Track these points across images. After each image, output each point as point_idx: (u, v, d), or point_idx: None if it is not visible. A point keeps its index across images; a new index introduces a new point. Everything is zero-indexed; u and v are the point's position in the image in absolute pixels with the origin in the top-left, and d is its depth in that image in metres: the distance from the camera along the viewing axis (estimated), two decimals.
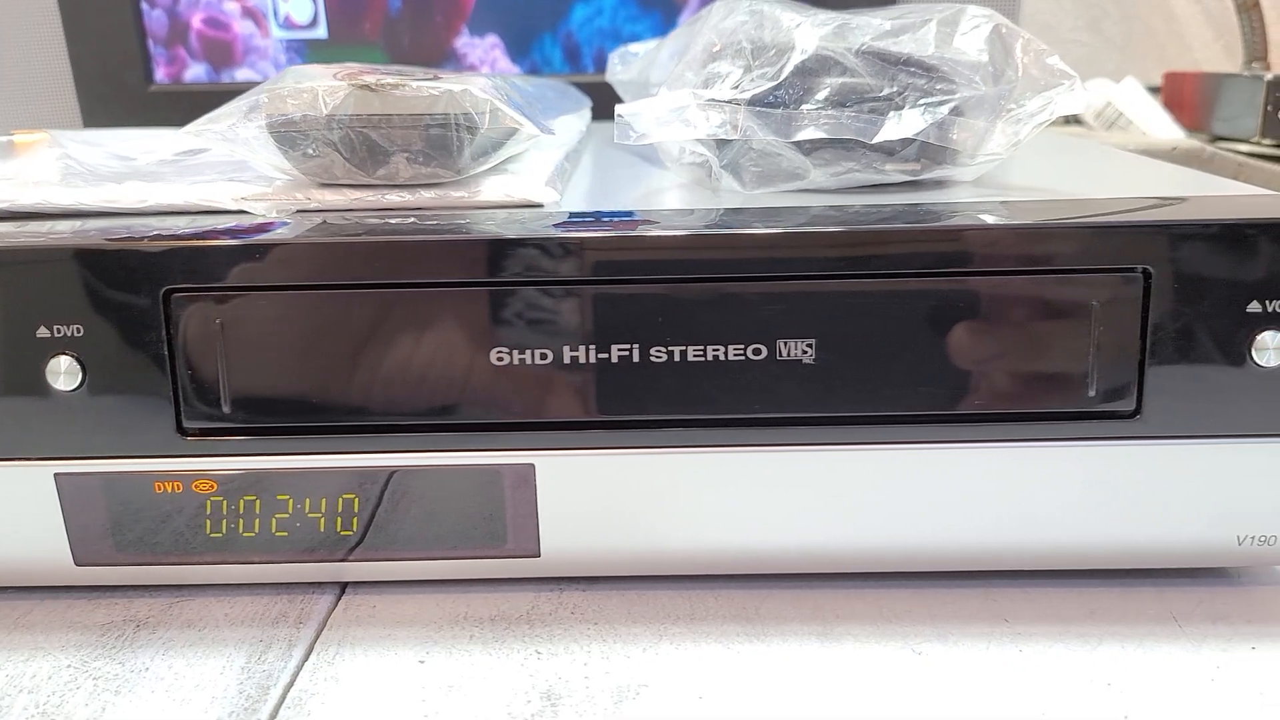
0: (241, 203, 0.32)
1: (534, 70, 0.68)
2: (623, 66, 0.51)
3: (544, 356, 0.29)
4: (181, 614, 0.31)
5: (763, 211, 0.30)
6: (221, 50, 0.68)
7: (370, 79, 0.32)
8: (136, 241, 0.28)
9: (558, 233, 0.28)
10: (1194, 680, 0.27)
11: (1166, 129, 0.66)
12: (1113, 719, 0.26)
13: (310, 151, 0.32)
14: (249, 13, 0.67)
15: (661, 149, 0.41)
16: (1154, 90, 0.73)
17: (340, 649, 0.29)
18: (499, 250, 0.28)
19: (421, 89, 0.31)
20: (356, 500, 0.31)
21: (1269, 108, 0.57)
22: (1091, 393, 0.29)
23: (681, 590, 0.32)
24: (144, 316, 0.29)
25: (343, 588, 0.32)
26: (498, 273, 0.28)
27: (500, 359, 0.29)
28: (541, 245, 0.28)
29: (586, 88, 0.59)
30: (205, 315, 0.29)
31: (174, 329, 0.29)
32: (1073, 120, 0.73)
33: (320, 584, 0.33)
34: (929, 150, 0.33)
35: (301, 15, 0.67)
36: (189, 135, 0.32)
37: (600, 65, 0.68)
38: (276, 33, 0.68)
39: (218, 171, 0.38)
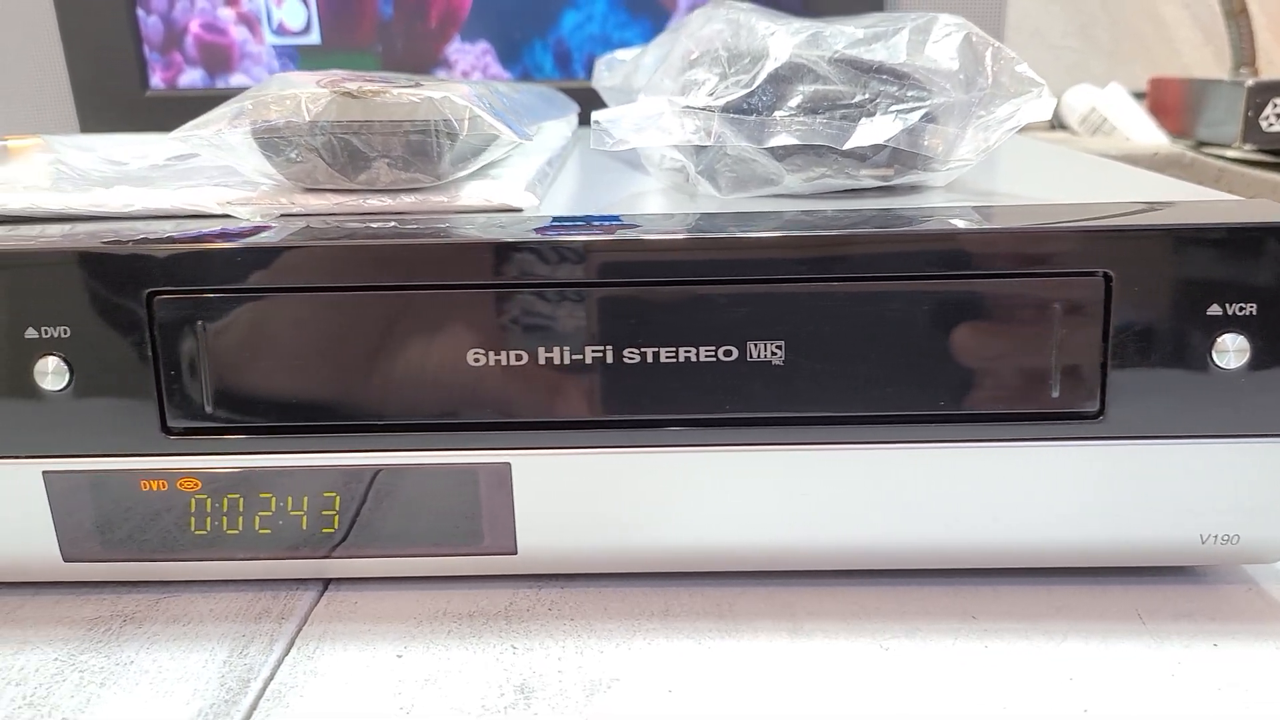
0: (226, 207, 0.33)
1: (525, 76, 0.69)
2: (609, 73, 0.52)
3: (519, 358, 0.30)
4: (168, 609, 0.32)
5: (736, 216, 0.31)
6: (217, 56, 0.69)
7: (352, 85, 0.32)
8: (122, 245, 0.29)
9: (534, 237, 0.29)
10: (1155, 675, 0.28)
11: (1150, 134, 0.66)
12: (1072, 712, 0.26)
13: (293, 157, 0.32)
14: (244, 19, 0.68)
15: (644, 155, 0.42)
16: (1140, 96, 0.74)
17: (320, 644, 0.30)
18: (478, 254, 0.29)
19: (402, 96, 0.32)
20: (338, 498, 0.31)
21: (1250, 113, 0.58)
22: (1055, 394, 0.29)
23: (657, 587, 0.32)
24: (129, 318, 0.29)
25: (325, 584, 0.33)
26: (475, 276, 0.29)
27: (476, 359, 0.30)
28: (519, 249, 0.29)
29: (577, 94, 0.60)
30: (188, 317, 0.29)
31: (158, 331, 0.29)
32: (1058, 126, 0.74)
33: (303, 580, 0.33)
34: (900, 156, 0.34)
35: (295, 21, 0.68)
36: (176, 141, 0.33)
37: (591, 71, 0.69)
38: (270, 38, 0.68)
39: (207, 177, 0.38)
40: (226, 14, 0.68)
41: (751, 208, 0.33)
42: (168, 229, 0.31)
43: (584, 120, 0.58)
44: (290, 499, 0.31)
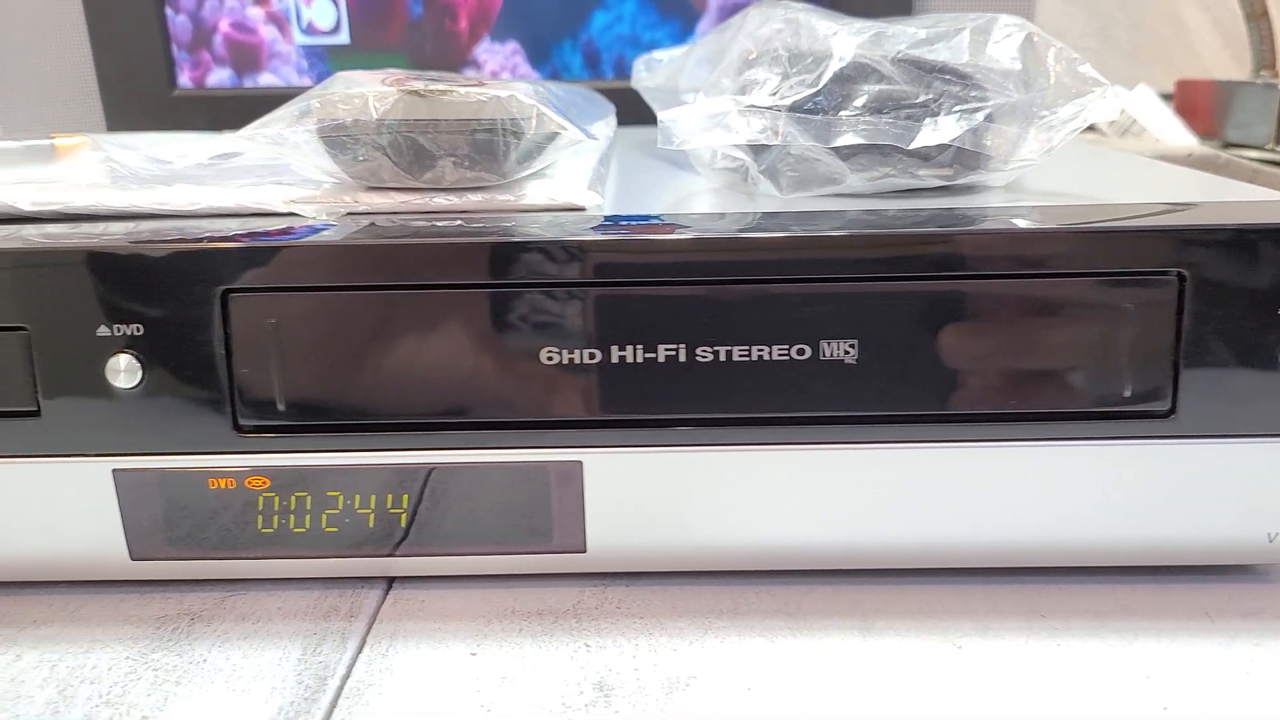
0: (291, 205, 0.33)
1: (554, 76, 0.69)
2: (648, 73, 0.52)
3: (592, 356, 0.30)
4: (234, 608, 0.32)
5: (805, 215, 0.31)
6: (245, 55, 0.69)
7: (419, 85, 0.32)
8: (198, 243, 0.29)
9: (607, 235, 0.29)
10: (1230, 674, 0.28)
11: (1179, 136, 0.67)
12: (1152, 711, 0.26)
13: (359, 155, 0.32)
14: (273, 18, 0.68)
15: (694, 154, 0.42)
16: (1165, 97, 0.74)
17: (393, 642, 0.30)
18: (551, 252, 0.29)
19: (469, 94, 0.32)
20: (406, 497, 0.31)
21: None
22: (1127, 393, 0.30)
23: (723, 586, 0.32)
24: (202, 316, 0.29)
25: (389, 582, 0.33)
26: (548, 275, 0.29)
27: (550, 358, 0.30)
28: (591, 248, 0.29)
29: (606, 94, 0.60)
30: (262, 315, 0.29)
31: (231, 328, 0.29)
32: (1088, 127, 0.74)
33: (368, 579, 0.33)
34: (963, 156, 0.34)
35: (324, 21, 0.68)
36: (242, 139, 0.33)
37: (620, 72, 0.69)
38: (299, 38, 0.68)
39: (257, 175, 0.38)
40: (255, 13, 0.68)
41: (812, 207, 0.33)
42: (233, 227, 0.31)
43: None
44: (358, 497, 0.31)
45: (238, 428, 0.30)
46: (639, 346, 0.30)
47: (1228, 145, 0.67)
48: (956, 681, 0.28)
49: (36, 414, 0.30)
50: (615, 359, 0.30)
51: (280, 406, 0.30)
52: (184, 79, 0.69)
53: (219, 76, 0.69)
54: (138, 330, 0.29)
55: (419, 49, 0.69)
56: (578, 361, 0.30)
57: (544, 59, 0.69)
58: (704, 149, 0.40)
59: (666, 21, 0.68)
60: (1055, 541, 0.31)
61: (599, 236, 0.29)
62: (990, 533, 0.31)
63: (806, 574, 0.33)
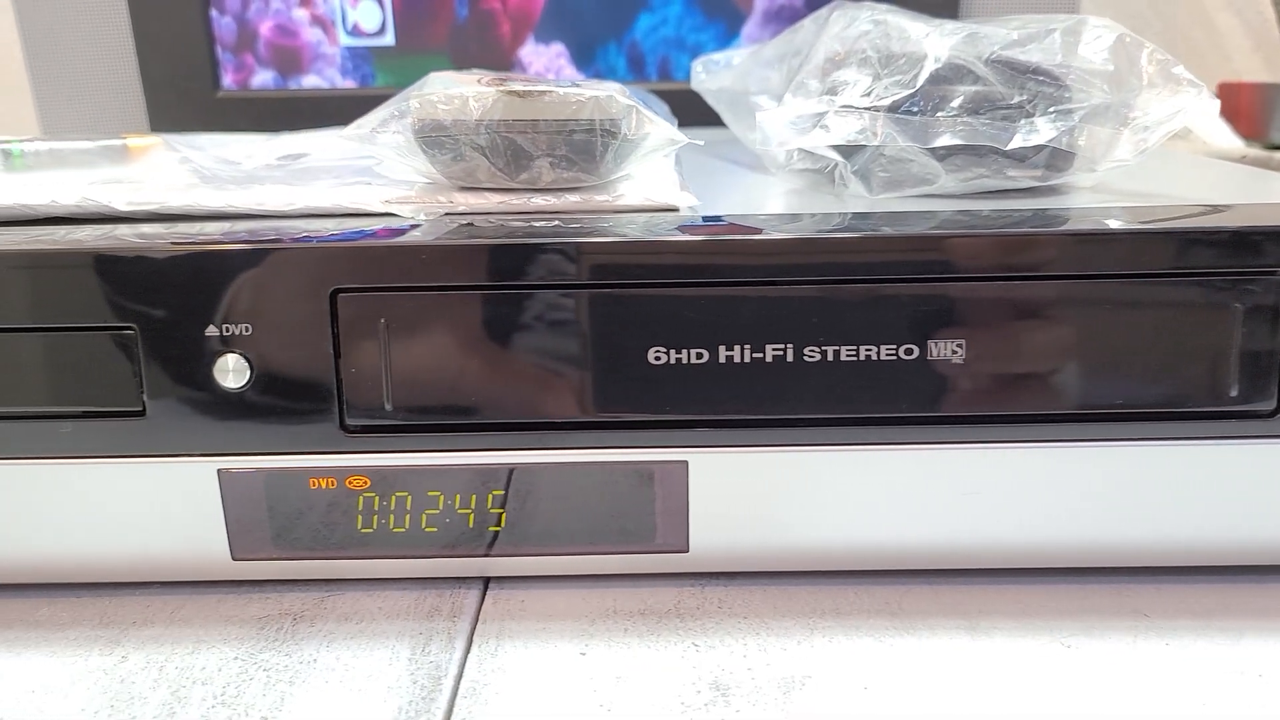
0: (388, 205, 0.33)
1: (598, 78, 0.69)
2: (708, 75, 0.52)
3: (699, 356, 0.30)
4: (334, 608, 0.32)
5: (905, 216, 0.31)
6: (289, 57, 0.69)
7: (518, 85, 0.32)
8: (309, 242, 0.29)
9: (717, 236, 0.29)
10: None
11: (1226, 138, 0.67)
12: (1273, 711, 0.26)
13: (457, 156, 0.32)
14: (318, 20, 0.68)
15: (767, 155, 0.42)
16: None
17: (500, 641, 0.30)
18: (660, 253, 0.29)
19: (568, 95, 0.32)
20: (507, 496, 0.31)
21: None
22: (1233, 392, 0.30)
23: (820, 585, 0.32)
24: (312, 316, 0.29)
25: (486, 582, 0.33)
26: (657, 275, 0.29)
27: (657, 359, 0.30)
28: (700, 249, 0.29)
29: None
30: (371, 315, 0.29)
31: (341, 328, 0.29)
32: None
33: (464, 579, 0.33)
34: (1057, 157, 0.34)
35: (370, 23, 0.68)
36: (342, 138, 0.33)
37: (664, 74, 0.69)
38: (344, 40, 0.68)
39: (334, 176, 0.38)
40: (300, 15, 0.68)
41: (902, 207, 0.33)
42: (330, 227, 0.31)
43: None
44: (458, 496, 0.31)
45: (344, 427, 0.30)
46: (746, 346, 0.30)
47: (1272, 147, 0.67)
48: (1071, 680, 0.28)
49: (142, 414, 0.30)
50: (723, 359, 0.30)
51: (387, 406, 0.30)
52: (228, 80, 0.69)
53: (263, 78, 0.69)
54: (246, 330, 0.29)
55: (463, 51, 0.69)
56: (685, 362, 0.30)
57: (588, 61, 0.69)
58: (779, 149, 0.41)
59: (712, 24, 0.68)
60: (1158, 541, 0.31)
61: (709, 237, 0.29)
62: (1093, 532, 0.31)
63: (901, 574, 0.33)
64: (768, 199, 0.37)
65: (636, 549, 0.32)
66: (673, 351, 0.30)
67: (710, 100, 0.50)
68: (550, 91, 0.32)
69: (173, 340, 0.29)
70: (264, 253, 0.29)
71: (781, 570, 0.33)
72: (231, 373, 0.29)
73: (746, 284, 0.29)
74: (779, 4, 0.68)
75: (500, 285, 0.29)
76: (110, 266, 0.29)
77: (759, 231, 0.29)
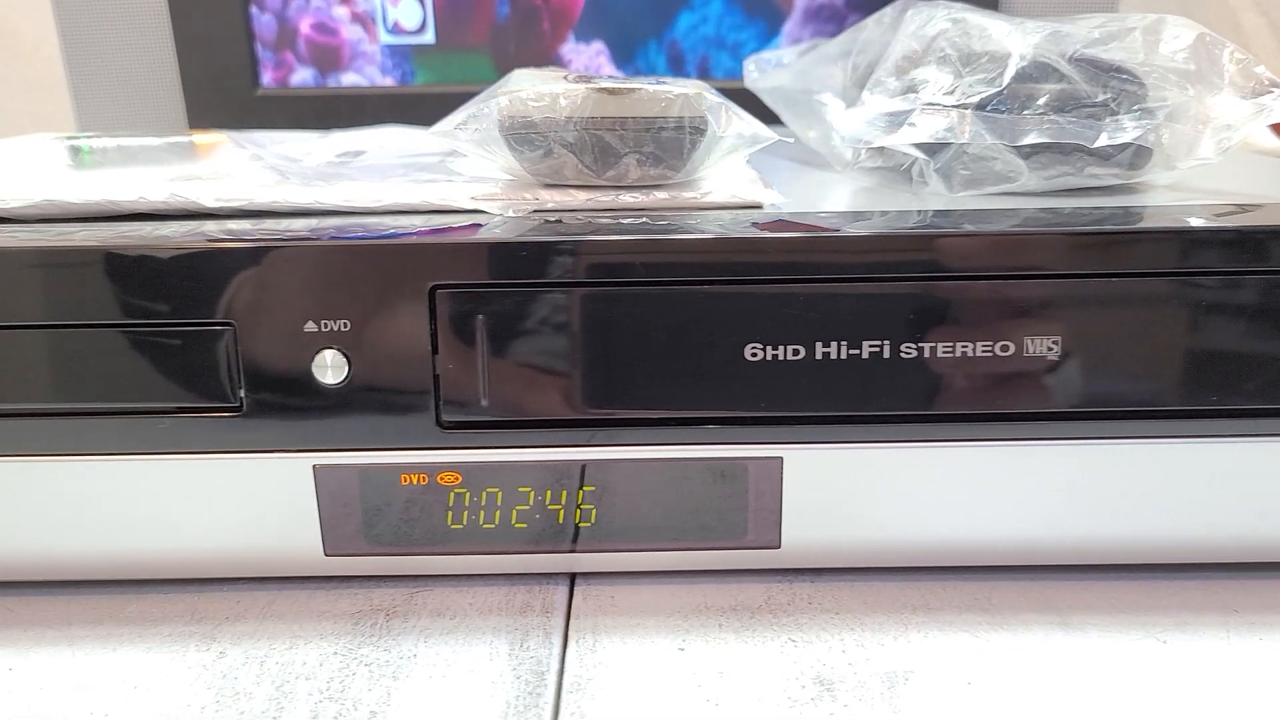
0: (476, 202, 0.33)
1: (637, 76, 0.69)
2: (760, 74, 0.52)
3: (796, 352, 0.30)
4: (425, 604, 0.32)
5: (992, 213, 0.31)
6: (329, 55, 0.69)
7: (607, 82, 0.33)
8: (408, 238, 0.29)
9: (819, 233, 0.29)
10: None
11: (1268, 138, 0.67)
12: None
13: (546, 152, 0.33)
14: (358, 18, 0.68)
15: (831, 152, 0.42)
16: None
17: (596, 637, 0.30)
18: (761, 250, 0.29)
19: (658, 92, 0.32)
20: (596, 492, 0.31)
21: None
22: None
23: (907, 581, 0.33)
24: (411, 312, 0.29)
25: (572, 578, 0.33)
26: (757, 271, 0.29)
27: (754, 354, 0.30)
28: (797, 245, 0.29)
29: None
30: (469, 311, 0.29)
31: (439, 324, 0.29)
32: None
33: (550, 574, 0.33)
34: (1138, 155, 0.34)
35: (410, 21, 0.68)
36: (434, 136, 0.33)
37: (704, 72, 0.69)
38: (384, 38, 0.68)
39: (401, 173, 0.38)
40: (341, 12, 0.68)
41: (982, 205, 0.33)
42: (418, 223, 0.31)
43: None
44: (549, 492, 0.31)
45: (440, 423, 0.30)
46: (843, 343, 0.30)
47: None
48: (1170, 677, 0.28)
49: (239, 410, 0.30)
50: (819, 355, 0.30)
51: (483, 402, 0.30)
52: (267, 78, 0.69)
53: (302, 76, 0.69)
54: (344, 326, 0.29)
55: (504, 49, 0.69)
56: (782, 357, 0.30)
57: (628, 60, 0.69)
58: (844, 147, 0.41)
59: (752, 22, 0.68)
60: (1249, 538, 0.31)
61: (809, 234, 0.29)
62: (1186, 529, 0.31)
63: (984, 569, 0.33)
64: (844, 196, 0.37)
65: (727, 545, 0.32)
66: (769, 347, 0.30)
67: (766, 99, 0.50)
68: (640, 89, 0.32)
69: (271, 336, 0.29)
70: (365, 249, 0.29)
71: (870, 566, 0.33)
72: (330, 369, 0.30)
73: (845, 280, 0.29)
74: (819, 3, 0.68)
75: (599, 282, 0.29)
76: (210, 263, 0.29)
77: (860, 229, 0.29)
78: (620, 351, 0.30)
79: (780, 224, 0.30)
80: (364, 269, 0.29)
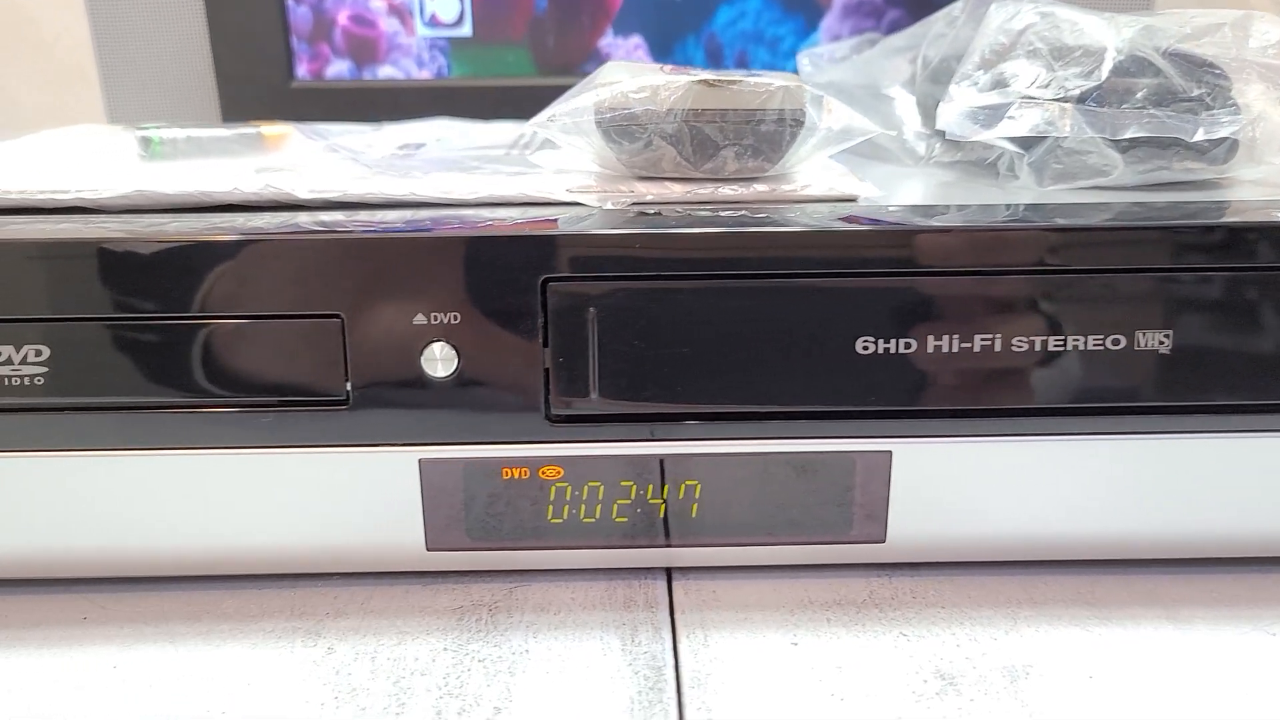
0: (573, 195, 0.33)
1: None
2: (815, 69, 0.52)
3: (908, 346, 0.30)
4: (527, 598, 0.32)
5: (1083, 207, 0.31)
6: (365, 47, 0.68)
7: (707, 75, 0.32)
8: (519, 230, 0.29)
9: (926, 224, 0.29)
10: None
11: None
12: None
13: (646, 144, 0.32)
14: (395, 10, 0.68)
15: (903, 147, 0.42)
16: None
17: (706, 632, 0.30)
18: (873, 243, 0.29)
19: (758, 85, 0.32)
20: (699, 486, 0.31)
21: None
22: None
23: (1007, 575, 0.33)
24: (522, 305, 0.29)
25: (668, 572, 0.33)
26: (870, 265, 0.29)
27: (865, 348, 0.30)
28: (916, 239, 0.29)
29: None
30: (580, 304, 0.29)
31: (550, 317, 0.29)
32: None
33: (647, 569, 0.33)
34: (1230, 149, 0.34)
35: (448, 14, 0.68)
36: (532, 127, 0.33)
37: (742, 67, 0.69)
38: (422, 31, 0.68)
39: (474, 166, 0.38)
40: (378, 5, 0.68)
41: (1072, 199, 0.33)
42: (515, 215, 0.31)
43: None
44: (651, 486, 0.31)
45: (549, 416, 0.30)
46: (955, 336, 0.30)
47: None
48: None
49: (345, 403, 0.30)
50: (930, 349, 0.30)
51: (593, 395, 0.30)
52: (302, 71, 0.69)
53: (337, 68, 0.69)
54: (455, 319, 0.29)
55: (542, 42, 0.69)
56: (894, 351, 0.30)
57: (666, 53, 0.69)
58: (917, 141, 0.41)
59: (790, 18, 0.68)
60: None
61: (916, 227, 0.29)
62: None
63: (1083, 563, 0.33)
64: (930, 189, 0.37)
65: (830, 539, 0.32)
66: (881, 341, 0.30)
67: (828, 94, 0.50)
68: (740, 81, 0.32)
69: (380, 329, 0.29)
70: (476, 241, 0.29)
71: (972, 560, 0.33)
72: (439, 361, 0.29)
73: (958, 274, 0.29)
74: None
75: (712, 275, 0.29)
76: (320, 255, 0.29)
77: (975, 222, 0.29)
78: (730, 345, 0.30)
79: (896, 218, 0.30)
80: (477, 261, 0.29)
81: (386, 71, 0.69)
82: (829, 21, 0.68)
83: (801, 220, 0.30)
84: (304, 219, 0.31)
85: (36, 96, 0.88)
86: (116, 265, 0.29)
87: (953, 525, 0.31)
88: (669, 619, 0.30)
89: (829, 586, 0.32)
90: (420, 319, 0.29)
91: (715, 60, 0.69)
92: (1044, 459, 0.31)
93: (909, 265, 0.29)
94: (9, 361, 0.29)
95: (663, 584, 0.32)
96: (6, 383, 0.29)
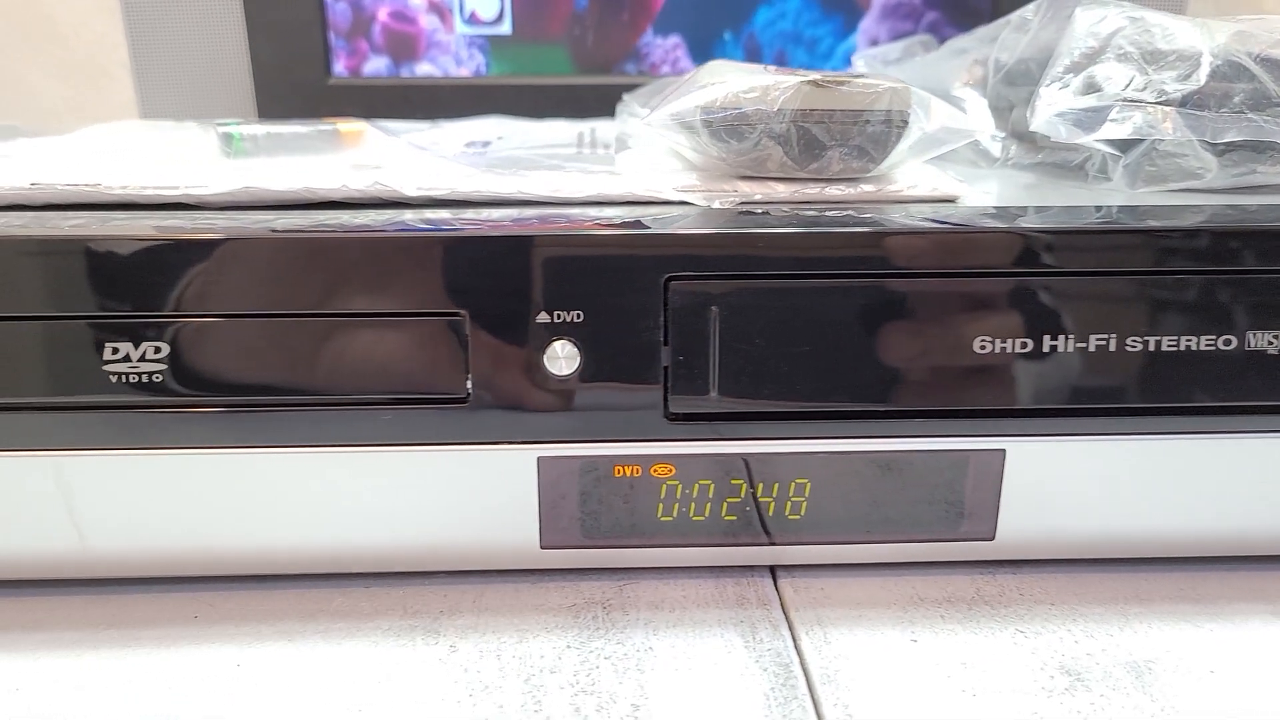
0: (681, 194, 0.33)
1: None
2: (870, 70, 0.52)
3: (1024, 345, 0.30)
4: (639, 596, 0.32)
5: (1183, 210, 0.31)
6: (404, 44, 0.68)
7: (814, 75, 0.33)
8: (644, 229, 0.29)
9: (1044, 224, 0.29)
10: None
11: None
12: None
13: (755, 143, 0.32)
14: (434, 7, 0.67)
15: (976, 148, 0.42)
16: None
17: (824, 629, 0.30)
18: (991, 244, 0.29)
19: (866, 86, 0.32)
20: (809, 485, 0.31)
21: None
22: None
23: (1108, 572, 0.33)
24: (645, 303, 0.29)
25: (772, 570, 0.33)
26: (989, 265, 0.29)
27: (983, 347, 0.30)
28: (1025, 238, 0.29)
29: None
30: (701, 303, 0.29)
31: (672, 315, 0.29)
32: None
33: (752, 567, 0.33)
34: None
35: (487, 11, 0.68)
36: (645, 124, 0.33)
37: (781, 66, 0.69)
38: (461, 28, 0.68)
39: (551, 164, 0.38)
40: (418, 2, 0.67)
41: (1161, 201, 0.33)
42: (622, 214, 0.31)
43: None
44: (761, 485, 0.31)
45: (668, 414, 0.30)
46: (1070, 336, 0.30)
47: None
48: None
49: (465, 401, 0.30)
50: (1046, 348, 0.30)
51: (712, 394, 0.30)
52: (339, 67, 0.68)
53: (375, 65, 0.69)
54: (578, 317, 0.29)
55: (581, 41, 0.69)
56: (1010, 350, 0.30)
57: (704, 53, 0.69)
58: (992, 143, 0.41)
59: (829, 18, 0.69)
60: None
61: (1034, 228, 0.29)
62: None
63: (1181, 560, 0.33)
64: (1020, 192, 0.37)
65: (939, 537, 0.32)
66: (998, 340, 0.30)
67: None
68: (848, 81, 0.32)
69: (503, 327, 0.29)
70: (600, 239, 0.29)
71: (1079, 558, 0.33)
72: (562, 359, 0.29)
73: (1073, 275, 0.30)
74: (896, 0, 0.68)
75: (835, 274, 0.29)
76: (444, 253, 0.29)
77: (1094, 224, 0.30)
78: (849, 344, 0.30)
79: (1017, 219, 0.30)
80: (600, 260, 0.29)
81: (424, 69, 0.69)
82: (867, 23, 0.69)
83: (896, 221, 0.30)
84: (409, 216, 0.31)
85: (54, 90, 0.87)
86: (235, 262, 0.28)
87: (1061, 522, 0.32)
88: (784, 617, 0.31)
89: (935, 584, 0.32)
90: (543, 317, 0.29)
91: (754, 60, 0.69)
92: (1154, 457, 0.31)
93: (1030, 267, 0.29)
94: (127, 359, 0.29)
95: (768, 582, 0.33)
96: (125, 380, 0.29)
